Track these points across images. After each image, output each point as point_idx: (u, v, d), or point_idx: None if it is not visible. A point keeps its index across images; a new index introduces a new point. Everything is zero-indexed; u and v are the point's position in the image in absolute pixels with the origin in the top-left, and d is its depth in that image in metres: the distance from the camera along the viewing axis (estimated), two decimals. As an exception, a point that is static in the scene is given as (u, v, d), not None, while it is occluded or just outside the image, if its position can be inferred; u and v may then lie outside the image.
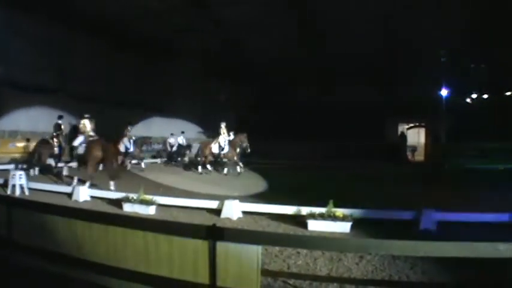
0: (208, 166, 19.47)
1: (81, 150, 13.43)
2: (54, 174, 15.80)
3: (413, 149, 34.01)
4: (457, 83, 27.44)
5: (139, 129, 25.58)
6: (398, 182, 17.45)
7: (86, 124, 13.91)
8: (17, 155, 18.61)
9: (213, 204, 9.55)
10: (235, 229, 6.45)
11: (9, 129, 20.25)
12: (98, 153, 12.79)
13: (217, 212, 9.28)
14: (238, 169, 18.56)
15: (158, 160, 25.56)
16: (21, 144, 19.08)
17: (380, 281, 5.37)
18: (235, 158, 18.83)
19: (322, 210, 8.05)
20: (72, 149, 14.17)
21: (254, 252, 3.82)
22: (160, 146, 26.44)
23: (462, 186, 15.91)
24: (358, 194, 12.48)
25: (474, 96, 29.83)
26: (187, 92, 32.02)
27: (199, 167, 19.53)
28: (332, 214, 7.93)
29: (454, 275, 5.46)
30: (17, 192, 11.64)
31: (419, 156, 33.40)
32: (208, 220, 8.52)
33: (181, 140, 24.88)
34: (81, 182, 12.52)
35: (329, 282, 5.12)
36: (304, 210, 8.37)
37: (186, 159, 24.80)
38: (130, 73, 27.21)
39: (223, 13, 23.89)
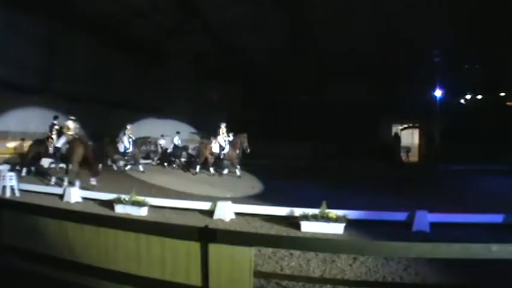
0: (211, 169, 19.23)
1: (64, 150, 13.74)
2: (47, 175, 15.70)
3: (407, 149, 34.07)
4: (451, 83, 27.52)
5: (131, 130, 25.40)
6: (391, 182, 17.49)
7: (70, 125, 14.07)
8: (7, 156, 18.45)
9: (206, 205, 9.53)
10: (227, 230, 6.40)
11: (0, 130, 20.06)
12: (80, 151, 13.11)
13: (209, 213, 9.25)
14: (238, 172, 18.54)
15: (151, 161, 25.29)
16: (11, 145, 18.93)
17: (373, 282, 5.37)
18: (235, 158, 18.89)
19: (315, 211, 8.04)
20: (56, 150, 14.29)
21: (247, 253, 3.79)
22: (151, 147, 26.18)
23: (456, 187, 15.96)
24: (351, 194, 12.49)
25: (468, 96, 29.91)
26: (180, 93, 31.85)
27: (198, 167, 19.51)
28: (325, 215, 7.93)
29: (447, 276, 5.46)
30: (8, 194, 11.55)
31: (414, 157, 33.47)
32: (200, 221, 8.47)
33: (176, 140, 24.16)
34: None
35: (322, 284, 5.10)
36: (297, 211, 8.35)
37: (183, 159, 24.27)
38: (122, 74, 27.07)
39: (215, 13, 23.86)
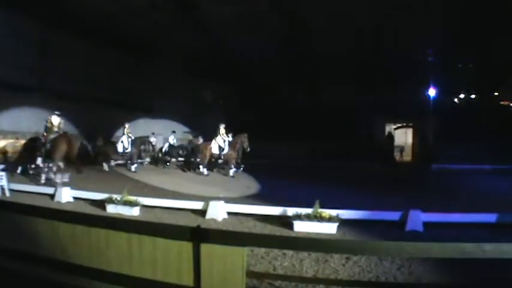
0: (205, 169, 19.27)
1: (48, 146, 13.88)
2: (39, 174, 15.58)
3: (401, 149, 34.16)
4: (444, 82, 27.61)
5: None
6: (385, 182, 17.52)
7: (53, 121, 14.06)
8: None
9: (198, 205, 9.50)
10: (220, 230, 6.36)
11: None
12: (63, 147, 13.32)
13: (202, 213, 9.22)
14: (231, 172, 18.63)
15: (145, 161, 25.10)
16: (2, 144, 18.81)
17: (367, 282, 5.35)
18: (234, 159, 18.98)
19: (308, 211, 8.02)
20: (41, 145, 14.39)
21: (239, 253, 3.76)
22: (149, 147, 25.92)
23: (449, 186, 15.99)
24: (344, 194, 12.49)
25: (462, 96, 30.02)
26: (173, 92, 31.74)
27: (201, 167, 19.53)
28: (318, 215, 7.91)
29: (441, 275, 5.46)
30: (-2, 194, 11.48)
31: (407, 157, 33.56)
32: (193, 221, 8.43)
33: (172, 140, 23.96)
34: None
35: (315, 284, 5.09)
36: (290, 211, 8.33)
37: (180, 159, 24.12)
38: (114, 72, 26.95)
39: (209, 12, 23.79)
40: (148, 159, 24.27)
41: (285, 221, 8.28)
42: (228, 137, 19.66)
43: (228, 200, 9.78)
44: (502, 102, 29.80)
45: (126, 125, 20.11)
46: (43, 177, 14.31)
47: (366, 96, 30.63)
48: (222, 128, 19.41)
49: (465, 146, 24.54)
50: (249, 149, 19.10)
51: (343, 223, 7.92)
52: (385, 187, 15.50)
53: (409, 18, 22.59)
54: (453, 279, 5.36)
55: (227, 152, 18.95)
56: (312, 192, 10.70)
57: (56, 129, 14.06)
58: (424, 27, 23.01)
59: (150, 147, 21.23)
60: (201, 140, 21.32)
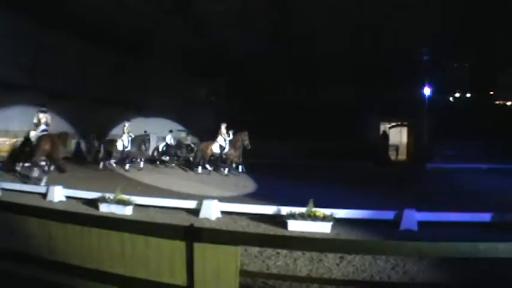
0: (200, 168, 19.44)
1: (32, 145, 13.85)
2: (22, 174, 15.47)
3: (396, 148, 34.18)
4: (440, 81, 27.65)
5: (120, 128, 25.12)
6: (379, 181, 17.52)
7: (41, 117, 14.04)
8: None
9: (192, 204, 9.46)
10: (213, 229, 6.34)
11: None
12: (46, 146, 13.25)
13: (195, 212, 9.18)
14: (226, 171, 18.82)
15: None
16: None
17: (361, 281, 5.34)
18: (236, 157, 19.16)
19: (303, 210, 8.00)
20: (28, 143, 14.29)
21: (233, 253, 3.74)
22: (149, 146, 25.71)
23: (444, 185, 16.02)
24: (339, 193, 12.49)
25: (457, 95, 30.08)
26: (167, 90, 31.54)
27: (200, 168, 19.63)
28: (312, 214, 7.90)
29: (435, 275, 5.45)
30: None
31: (402, 156, 33.59)
32: (186, 220, 8.40)
33: (169, 139, 23.68)
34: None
35: (309, 283, 5.06)
36: (284, 210, 8.31)
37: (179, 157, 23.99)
38: (107, 70, 26.81)
39: (204, 10, 23.74)
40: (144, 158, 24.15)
41: (279, 220, 8.27)
42: (229, 136, 19.76)
43: (222, 199, 9.74)
44: (497, 102, 29.87)
45: (126, 124, 20.07)
46: (35, 174, 14.23)
47: (360, 95, 30.63)
48: (223, 128, 19.61)
49: (460, 145, 24.58)
50: (249, 147, 19.19)
51: (338, 222, 7.91)
52: (379, 186, 15.48)
53: (406, 17, 22.61)
54: (447, 279, 5.36)
55: (228, 151, 19.08)
56: (308, 192, 10.68)
57: (43, 126, 13.89)
58: (420, 26, 23.03)
59: (148, 145, 21.19)
60: (189, 139, 21.31)
